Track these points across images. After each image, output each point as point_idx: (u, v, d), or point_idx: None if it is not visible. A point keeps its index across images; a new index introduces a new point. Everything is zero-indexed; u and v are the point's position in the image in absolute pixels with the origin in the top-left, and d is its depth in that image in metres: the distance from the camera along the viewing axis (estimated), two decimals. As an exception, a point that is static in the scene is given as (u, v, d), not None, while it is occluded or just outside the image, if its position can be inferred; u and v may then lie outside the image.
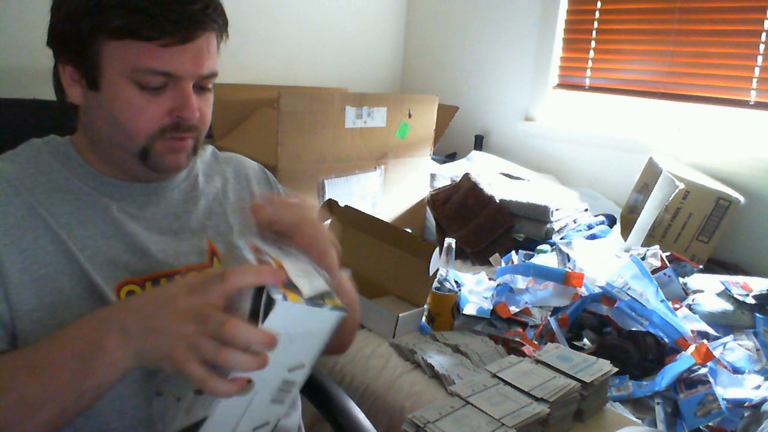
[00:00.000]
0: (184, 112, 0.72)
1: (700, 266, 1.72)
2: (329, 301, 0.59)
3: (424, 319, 1.45)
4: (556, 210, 1.98)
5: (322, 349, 0.61)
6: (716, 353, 1.26)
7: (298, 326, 0.56)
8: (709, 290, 1.53)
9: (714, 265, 1.87)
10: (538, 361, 0.97)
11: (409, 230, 1.73)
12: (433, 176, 2.29)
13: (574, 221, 2.05)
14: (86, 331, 0.59)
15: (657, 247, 1.68)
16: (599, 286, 1.43)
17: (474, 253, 2.00)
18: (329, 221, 1.72)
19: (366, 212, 1.67)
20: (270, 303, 0.53)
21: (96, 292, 0.71)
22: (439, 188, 2.26)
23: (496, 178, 2.28)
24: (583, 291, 1.46)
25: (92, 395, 0.59)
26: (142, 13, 0.65)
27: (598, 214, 2.15)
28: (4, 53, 1.88)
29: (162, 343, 0.55)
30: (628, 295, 1.34)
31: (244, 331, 0.52)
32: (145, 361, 0.57)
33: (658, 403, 1.17)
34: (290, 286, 0.57)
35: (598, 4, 2.37)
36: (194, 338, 0.53)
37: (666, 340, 1.31)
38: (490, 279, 1.69)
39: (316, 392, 0.99)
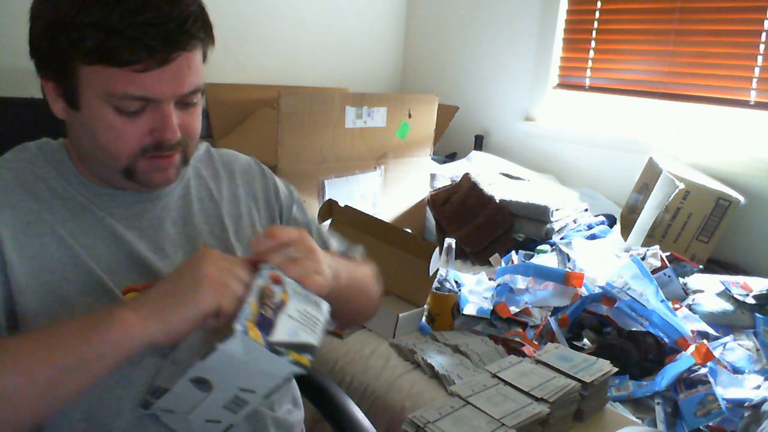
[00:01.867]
0: (165, 134, 0.69)
1: (700, 266, 1.72)
2: (294, 355, 0.63)
3: (424, 319, 1.45)
4: (556, 210, 1.98)
5: (279, 387, 0.67)
6: (716, 353, 1.26)
7: (253, 360, 0.61)
8: (709, 290, 1.53)
9: (714, 265, 1.87)
10: (538, 361, 0.97)
11: (409, 230, 1.73)
12: (433, 176, 2.29)
13: (574, 221, 2.05)
14: (103, 309, 0.62)
15: (657, 247, 1.68)
16: (599, 286, 1.43)
17: (474, 253, 2.00)
18: (329, 221, 1.72)
19: (366, 212, 1.67)
20: (231, 331, 0.59)
21: (109, 295, 0.71)
22: (439, 188, 2.26)
23: (496, 178, 2.28)
24: (583, 291, 1.46)
25: (95, 368, 0.59)
26: (117, 35, 0.62)
27: (598, 214, 2.15)
28: (4, 53, 1.88)
29: (190, 302, 0.61)
30: (628, 295, 1.34)
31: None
32: (165, 341, 0.61)
33: (658, 403, 1.17)
34: (265, 325, 0.62)
35: (598, 4, 2.37)
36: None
37: (666, 340, 1.31)
38: (490, 279, 1.69)
39: (316, 392, 0.99)
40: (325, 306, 0.71)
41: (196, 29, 0.67)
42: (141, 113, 0.68)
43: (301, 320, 0.66)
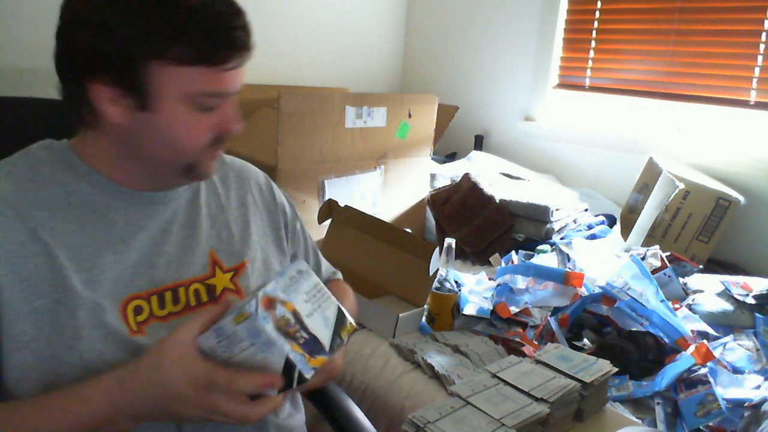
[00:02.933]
0: (233, 126, 0.75)
1: (700, 266, 1.72)
2: (344, 333, 0.71)
3: (424, 319, 1.45)
4: (556, 210, 1.98)
5: None
6: (716, 353, 1.26)
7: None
8: (709, 290, 1.53)
9: (714, 265, 1.87)
10: (538, 361, 0.97)
11: (409, 230, 1.73)
12: (433, 176, 2.29)
13: (574, 221, 2.05)
14: (99, 411, 0.64)
15: (657, 247, 1.68)
16: (599, 286, 1.43)
17: (474, 253, 2.00)
18: (329, 221, 1.72)
19: (366, 212, 1.67)
20: (302, 379, 0.65)
21: (96, 318, 0.70)
22: (439, 188, 2.26)
23: (496, 178, 2.28)
24: (583, 291, 1.46)
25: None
26: (207, 41, 0.68)
27: (598, 214, 2.15)
28: (4, 53, 1.89)
29: (181, 415, 0.66)
30: (628, 295, 1.34)
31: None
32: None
33: (658, 403, 1.17)
34: (312, 345, 0.66)
35: (598, 4, 2.37)
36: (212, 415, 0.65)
37: (666, 340, 1.31)
38: (490, 279, 1.69)
39: (316, 392, 0.99)
40: (308, 270, 0.72)
41: (251, 35, 0.74)
42: (213, 109, 0.73)
43: (318, 305, 0.69)
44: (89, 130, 0.75)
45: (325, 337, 0.67)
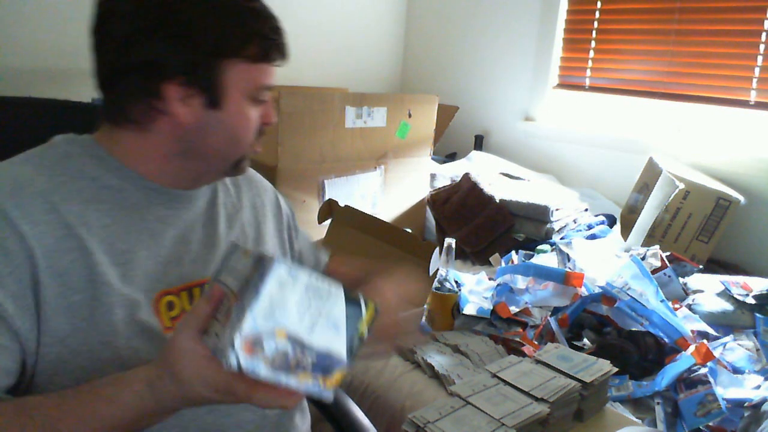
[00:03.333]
0: (272, 117, 0.82)
1: (700, 266, 1.72)
2: (362, 328, 0.60)
3: (424, 319, 1.45)
4: (556, 210, 1.98)
5: None
6: (716, 353, 1.26)
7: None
8: (709, 290, 1.53)
9: (714, 265, 1.87)
10: (538, 361, 0.97)
11: (409, 230, 1.73)
12: (433, 176, 2.29)
13: (574, 221, 2.05)
14: (129, 414, 0.60)
15: (657, 247, 1.68)
16: (599, 286, 1.43)
17: (474, 253, 2.00)
18: (329, 221, 1.73)
19: (366, 212, 1.67)
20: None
21: (132, 314, 0.70)
22: (439, 188, 2.26)
23: (496, 178, 2.28)
24: (583, 291, 1.46)
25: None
26: (271, 41, 0.76)
27: (598, 214, 2.15)
28: (3, 52, 1.89)
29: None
30: (628, 295, 1.34)
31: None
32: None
33: (658, 403, 1.17)
34: (326, 366, 0.58)
35: (598, 4, 2.37)
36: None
37: (666, 340, 1.31)
38: (490, 279, 1.69)
39: (316, 392, 0.99)
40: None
41: None
42: (262, 102, 0.79)
43: (318, 311, 0.57)
44: (134, 128, 0.75)
45: (337, 346, 0.58)
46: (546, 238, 1.95)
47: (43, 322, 0.66)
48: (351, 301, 0.60)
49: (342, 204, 1.69)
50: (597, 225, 2.07)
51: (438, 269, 1.43)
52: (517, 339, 1.36)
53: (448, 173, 2.33)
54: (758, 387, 1.19)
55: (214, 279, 0.61)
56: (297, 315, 0.56)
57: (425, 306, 1.45)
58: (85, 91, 1.02)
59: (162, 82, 0.71)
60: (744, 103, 2.02)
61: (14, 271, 0.64)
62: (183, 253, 0.77)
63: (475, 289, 1.62)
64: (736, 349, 1.32)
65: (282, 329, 0.55)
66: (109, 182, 0.74)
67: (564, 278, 1.48)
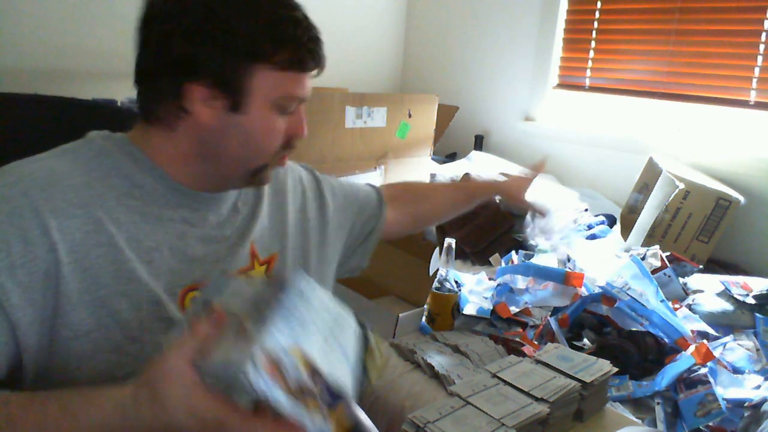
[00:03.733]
0: (301, 131, 0.80)
1: (700, 266, 1.72)
2: (369, 361, 0.60)
3: (424, 319, 1.45)
4: (556, 210, 1.97)
5: None
6: (716, 353, 1.26)
7: None
8: (709, 290, 1.53)
9: (714, 265, 1.87)
10: (538, 361, 0.97)
11: (409, 230, 1.73)
12: (433, 176, 2.29)
13: (574, 221, 2.05)
14: (112, 424, 0.58)
15: (657, 247, 1.68)
16: (599, 286, 1.43)
17: (474, 253, 2.00)
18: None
19: (366, 212, 1.67)
20: None
21: (160, 311, 0.71)
22: (439, 188, 2.26)
23: (496, 178, 2.28)
24: (583, 291, 1.46)
25: None
26: (303, 48, 0.74)
27: (598, 214, 2.15)
28: (3, 52, 1.89)
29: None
30: (628, 295, 1.34)
31: None
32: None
33: (658, 403, 1.17)
34: (332, 398, 0.53)
35: (598, 4, 2.37)
36: None
37: (666, 340, 1.31)
38: (490, 279, 1.69)
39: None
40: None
41: None
42: (289, 114, 0.78)
43: (332, 334, 0.55)
44: (162, 127, 0.76)
45: (346, 377, 0.55)
46: (546, 238, 1.95)
47: (62, 316, 0.66)
48: (362, 332, 0.59)
49: (342, 204, 1.68)
50: (597, 225, 2.07)
51: (438, 269, 1.43)
52: (517, 339, 1.36)
53: (448, 173, 2.33)
54: (758, 387, 1.19)
55: (206, 302, 0.59)
56: (314, 338, 0.54)
57: (425, 306, 1.45)
58: (86, 91, 1.02)
59: (189, 82, 0.72)
60: (744, 103, 2.02)
61: (29, 263, 0.65)
62: (207, 253, 0.78)
63: (475, 289, 1.62)
64: (736, 349, 1.32)
65: (298, 348, 0.52)
66: (141, 181, 0.75)
67: (564, 278, 1.48)
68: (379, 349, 0.60)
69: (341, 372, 0.54)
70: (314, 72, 0.78)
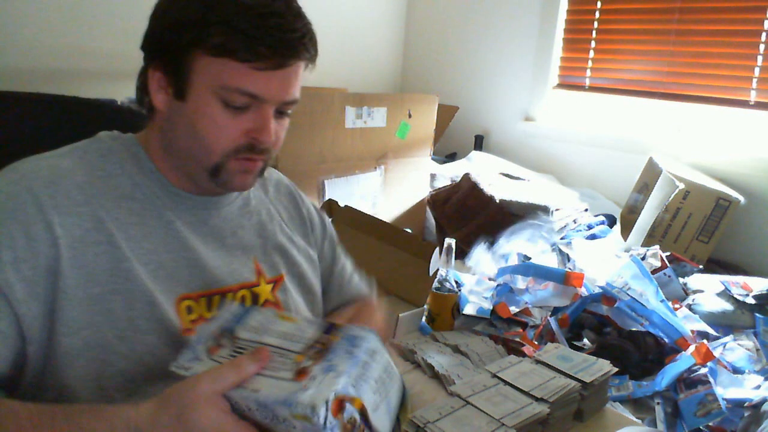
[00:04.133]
0: (261, 135, 0.72)
1: (700, 266, 1.72)
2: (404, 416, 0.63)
3: (424, 319, 1.45)
4: (556, 210, 1.97)
5: None
6: (716, 353, 1.26)
7: None
8: (709, 290, 1.53)
9: (714, 265, 1.87)
10: (538, 361, 0.97)
11: (409, 230, 1.73)
12: (433, 176, 2.29)
13: (574, 221, 2.05)
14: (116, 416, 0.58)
15: (657, 247, 1.68)
16: (599, 286, 1.43)
17: (474, 253, 2.00)
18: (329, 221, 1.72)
19: (366, 212, 1.67)
20: None
21: (153, 311, 0.70)
22: (439, 188, 2.26)
23: (496, 178, 2.28)
24: (583, 291, 1.46)
25: None
26: (243, 34, 0.66)
27: (598, 214, 2.15)
28: (3, 52, 1.89)
29: None
30: (628, 295, 1.34)
31: None
32: None
33: (658, 403, 1.17)
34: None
35: (598, 4, 2.37)
36: None
37: (666, 340, 1.31)
38: (490, 279, 1.69)
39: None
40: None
41: (311, 45, 0.73)
42: (244, 111, 0.71)
43: (385, 393, 0.59)
44: (149, 122, 0.77)
45: (386, 428, 0.60)
46: (546, 238, 1.95)
47: (58, 311, 0.66)
48: (403, 393, 0.63)
49: (342, 204, 1.68)
50: (597, 225, 2.07)
51: (438, 269, 1.43)
52: (517, 339, 1.36)
53: (448, 173, 2.33)
54: (758, 387, 1.19)
55: (225, 330, 0.61)
56: (372, 391, 0.58)
57: (425, 306, 1.45)
58: (86, 91, 1.02)
59: (151, 67, 0.72)
60: (744, 103, 2.02)
61: (32, 258, 0.65)
62: (207, 259, 0.77)
63: (475, 289, 1.62)
64: (736, 349, 1.32)
65: (359, 399, 0.56)
66: (142, 182, 0.75)
67: (564, 278, 1.48)
68: (411, 407, 0.64)
69: (385, 425, 0.59)
70: (263, 65, 0.68)
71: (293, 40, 0.69)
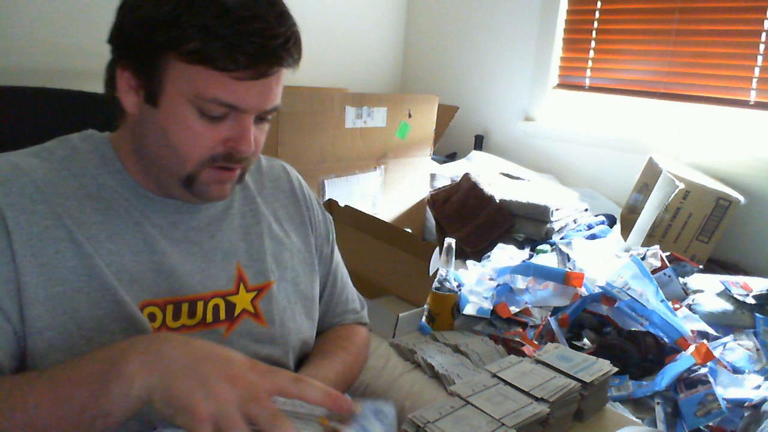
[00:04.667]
0: (240, 145, 0.68)
1: (700, 266, 1.72)
2: None
3: (424, 319, 1.45)
4: (556, 210, 1.98)
5: None
6: (716, 353, 1.26)
7: None
8: (709, 290, 1.53)
9: (714, 265, 1.87)
10: (538, 361, 0.97)
11: (409, 230, 1.73)
12: (433, 176, 2.29)
13: (574, 221, 2.05)
14: (113, 352, 0.57)
15: (657, 247, 1.68)
16: (599, 286, 1.43)
17: (474, 253, 2.00)
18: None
19: (366, 212, 1.67)
20: None
21: (121, 310, 0.68)
22: (439, 188, 2.26)
23: (496, 178, 2.28)
24: (583, 291, 1.46)
25: (101, 424, 0.55)
26: (221, 40, 0.62)
27: (598, 214, 2.15)
28: (3, 52, 1.89)
29: (196, 393, 0.53)
30: (628, 295, 1.34)
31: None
32: (161, 401, 0.54)
33: (658, 403, 1.17)
34: None
35: (598, 4, 2.37)
36: (244, 406, 0.53)
37: (666, 340, 1.31)
38: (490, 279, 1.69)
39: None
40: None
41: (295, 50, 0.68)
42: (221, 120, 0.67)
43: None
44: (120, 123, 0.74)
45: None
46: (546, 238, 1.95)
47: (23, 310, 0.64)
48: None
49: (342, 204, 1.68)
50: (597, 225, 2.07)
51: (438, 269, 1.43)
52: (517, 339, 1.36)
53: (448, 173, 2.33)
54: (758, 387, 1.19)
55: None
56: None
57: (425, 306, 1.45)
58: (90, 90, 1.02)
59: (120, 66, 0.69)
60: (744, 103, 2.02)
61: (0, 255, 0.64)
62: (178, 264, 0.73)
63: (475, 289, 1.62)
64: (736, 349, 1.32)
65: None
66: (106, 183, 0.72)
67: (564, 278, 1.48)
68: None
69: None
70: (243, 74, 0.64)
71: (276, 47, 0.65)
